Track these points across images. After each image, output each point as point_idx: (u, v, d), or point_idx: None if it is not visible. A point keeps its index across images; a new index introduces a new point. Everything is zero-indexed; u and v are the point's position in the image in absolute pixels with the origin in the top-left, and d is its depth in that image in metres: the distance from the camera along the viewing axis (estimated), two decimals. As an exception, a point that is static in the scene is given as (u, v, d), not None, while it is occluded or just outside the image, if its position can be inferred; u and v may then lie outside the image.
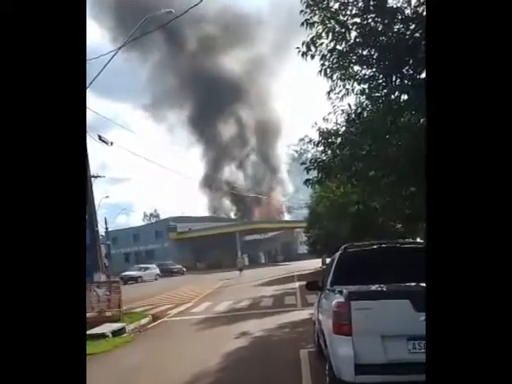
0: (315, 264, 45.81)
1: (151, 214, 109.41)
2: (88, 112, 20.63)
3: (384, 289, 6.27)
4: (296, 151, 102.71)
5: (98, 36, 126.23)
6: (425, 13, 9.05)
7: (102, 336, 13.64)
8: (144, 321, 16.98)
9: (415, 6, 9.39)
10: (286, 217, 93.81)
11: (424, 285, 6.26)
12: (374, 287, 6.32)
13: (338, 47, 9.83)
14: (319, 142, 11.29)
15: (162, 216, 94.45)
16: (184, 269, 60.22)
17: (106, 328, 14.49)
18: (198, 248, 71.50)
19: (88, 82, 18.16)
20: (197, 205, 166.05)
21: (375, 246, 8.29)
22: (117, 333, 14.26)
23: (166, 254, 69.96)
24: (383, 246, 8.28)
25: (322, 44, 9.82)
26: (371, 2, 9.34)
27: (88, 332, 13.66)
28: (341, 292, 5.96)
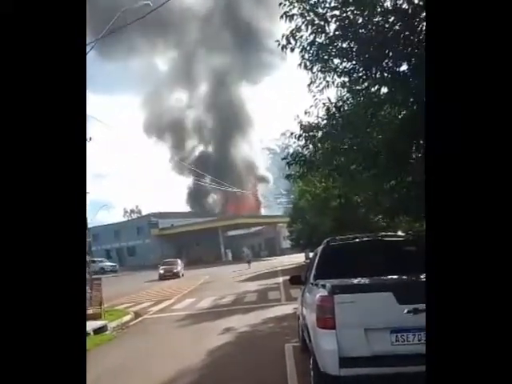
0: (298, 258, 46.03)
1: (132, 210, 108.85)
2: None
3: (367, 282, 6.29)
4: (278, 146, 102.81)
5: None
6: (404, 5, 9.06)
7: (84, 334, 13.50)
8: (126, 318, 16.90)
9: (394, -1, 9.37)
10: (268, 212, 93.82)
11: (406, 277, 6.32)
12: (357, 280, 6.33)
13: (318, 40, 9.77)
14: (300, 135, 11.27)
15: (144, 212, 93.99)
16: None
17: (88, 326, 14.36)
18: (180, 244, 71.35)
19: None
20: (178, 200, 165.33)
21: (357, 240, 8.30)
22: (98, 331, 14.16)
23: (148, 251, 69.63)
24: (365, 239, 8.30)
25: (301, 37, 9.77)
26: (350, -5, 9.30)
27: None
28: (324, 286, 5.95)
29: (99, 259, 61.47)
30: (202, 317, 16.01)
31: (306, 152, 11.53)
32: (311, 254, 9.35)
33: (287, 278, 9.35)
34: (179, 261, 47.19)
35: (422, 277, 6.36)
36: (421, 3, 8.62)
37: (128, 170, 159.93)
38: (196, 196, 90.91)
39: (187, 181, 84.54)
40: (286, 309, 15.19)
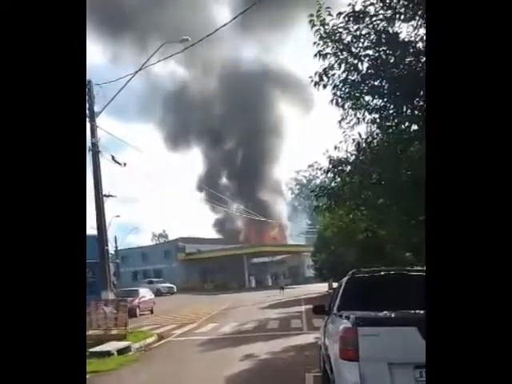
0: (322, 288, 45.64)
1: (160, 235, 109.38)
2: (103, 133, 20.95)
3: (391, 315, 6.26)
4: (304, 177, 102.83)
5: (113, 58, 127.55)
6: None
7: (108, 354, 13.73)
8: (149, 340, 17.02)
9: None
10: (293, 241, 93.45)
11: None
12: (381, 313, 6.33)
13: (350, 77, 10.04)
14: (329, 169, 11.45)
15: (171, 237, 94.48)
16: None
17: (112, 346, 14.57)
18: (205, 269, 71.51)
19: (104, 104, 18.55)
20: (205, 226, 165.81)
21: (383, 273, 8.31)
22: (122, 351, 14.34)
23: (174, 274, 69.91)
24: (391, 272, 8.31)
25: (333, 74, 10.05)
26: (383, 36, 9.57)
27: (93, 349, 13.77)
28: (348, 317, 5.95)
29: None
30: (223, 342, 16.09)
31: (333, 185, 11.71)
32: (334, 284, 9.43)
33: (310, 306, 9.43)
34: (142, 290, 34.07)
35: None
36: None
37: (158, 195, 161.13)
38: (222, 223, 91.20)
39: (214, 208, 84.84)
40: (308, 338, 15.17)
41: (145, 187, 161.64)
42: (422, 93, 9.77)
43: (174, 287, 59.98)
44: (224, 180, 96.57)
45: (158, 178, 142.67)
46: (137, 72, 18.09)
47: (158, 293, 53.95)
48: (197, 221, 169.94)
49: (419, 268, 9.80)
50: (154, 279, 61.51)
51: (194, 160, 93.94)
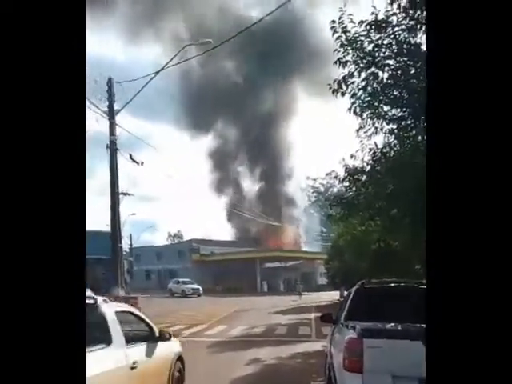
0: (333, 296, 45.53)
1: (175, 235, 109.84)
2: (122, 132, 21.12)
3: (398, 328, 6.24)
4: (322, 185, 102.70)
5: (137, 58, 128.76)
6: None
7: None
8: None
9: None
10: (307, 248, 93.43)
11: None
12: (387, 325, 6.31)
13: (370, 86, 10.02)
14: (345, 178, 11.43)
15: (186, 237, 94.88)
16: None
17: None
18: (218, 271, 71.55)
19: (124, 102, 18.69)
20: (220, 228, 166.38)
21: (392, 284, 8.28)
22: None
23: (188, 275, 70.22)
24: (401, 284, 8.28)
25: (353, 83, 10.03)
26: (405, 46, 9.55)
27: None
28: (354, 328, 5.95)
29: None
30: (231, 345, 16.10)
31: (348, 194, 11.69)
32: (346, 293, 9.43)
33: (319, 314, 9.41)
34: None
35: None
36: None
37: (175, 195, 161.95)
38: (238, 226, 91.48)
39: (230, 211, 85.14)
40: (316, 346, 15.13)
41: (163, 187, 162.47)
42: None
43: (200, 289, 56.73)
44: (242, 183, 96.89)
45: (177, 178, 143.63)
46: (158, 72, 18.18)
47: (182, 294, 53.75)
48: (212, 222, 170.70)
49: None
50: (181, 279, 59.99)
51: (213, 161, 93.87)
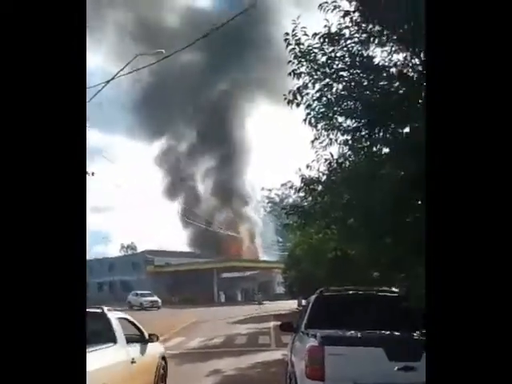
0: (291, 305, 45.72)
1: (128, 246, 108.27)
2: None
3: (358, 335, 6.32)
4: (277, 195, 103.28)
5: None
6: (410, 73, 9.51)
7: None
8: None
9: (399, 65, 9.81)
10: (264, 258, 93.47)
11: (397, 334, 6.47)
12: (348, 333, 6.39)
13: (324, 97, 10.16)
14: (301, 188, 11.51)
15: (139, 248, 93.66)
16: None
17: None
18: (174, 282, 70.89)
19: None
20: (175, 239, 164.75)
21: (351, 292, 8.41)
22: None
23: (142, 287, 69.27)
24: (359, 292, 8.42)
25: (307, 94, 10.15)
26: (357, 59, 9.75)
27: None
28: (315, 336, 6.01)
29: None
30: (190, 356, 16.01)
31: (305, 204, 11.79)
32: (304, 302, 9.51)
33: (278, 323, 9.49)
34: None
35: (413, 334, 6.52)
36: (422, 74, 9.04)
37: (128, 206, 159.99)
38: (193, 237, 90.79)
39: (186, 222, 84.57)
40: (276, 354, 15.18)
41: (116, 197, 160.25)
42: (394, 116, 9.95)
43: (159, 301, 55.91)
44: (197, 194, 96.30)
45: (130, 188, 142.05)
46: (108, 82, 17.97)
47: (141, 307, 52.13)
48: (167, 233, 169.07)
49: (386, 288, 9.91)
50: (140, 291, 58.72)
51: (166, 172, 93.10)
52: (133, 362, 7.80)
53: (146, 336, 9.13)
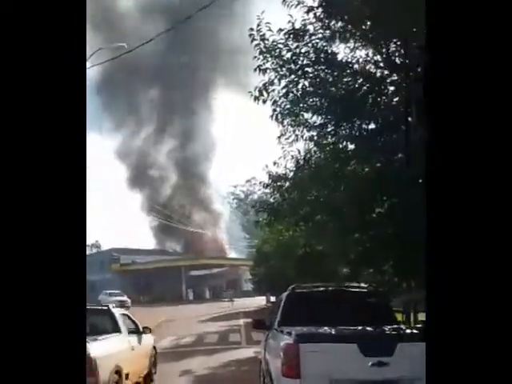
0: (260, 301, 45.83)
1: (93, 244, 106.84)
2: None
3: (332, 332, 6.29)
4: (242, 191, 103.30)
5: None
6: (372, 69, 9.61)
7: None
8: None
9: (362, 62, 9.92)
10: (232, 254, 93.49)
11: (371, 329, 6.51)
12: (322, 330, 6.38)
13: (290, 94, 10.17)
14: (268, 184, 11.52)
15: (104, 246, 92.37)
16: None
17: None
18: (141, 281, 70.16)
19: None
20: (141, 237, 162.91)
21: (323, 288, 8.40)
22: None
23: (108, 286, 68.45)
24: (330, 288, 8.42)
25: (273, 90, 10.15)
26: (322, 55, 9.79)
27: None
28: (289, 333, 5.95)
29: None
30: (162, 357, 15.84)
31: (272, 200, 11.82)
32: (272, 298, 9.49)
33: (248, 320, 9.47)
34: None
35: (385, 329, 6.58)
36: (385, 71, 9.17)
37: (91, 203, 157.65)
38: (160, 234, 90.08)
39: (152, 219, 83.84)
40: (247, 352, 15.16)
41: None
42: (359, 112, 10.03)
43: (129, 301, 53.00)
44: (162, 190, 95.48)
45: (93, 185, 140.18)
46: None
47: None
48: (133, 231, 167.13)
49: (356, 284, 9.99)
50: (110, 291, 57.51)
51: (126, 166, 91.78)
52: (132, 349, 9.36)
53: (141, 329, 10.70)
